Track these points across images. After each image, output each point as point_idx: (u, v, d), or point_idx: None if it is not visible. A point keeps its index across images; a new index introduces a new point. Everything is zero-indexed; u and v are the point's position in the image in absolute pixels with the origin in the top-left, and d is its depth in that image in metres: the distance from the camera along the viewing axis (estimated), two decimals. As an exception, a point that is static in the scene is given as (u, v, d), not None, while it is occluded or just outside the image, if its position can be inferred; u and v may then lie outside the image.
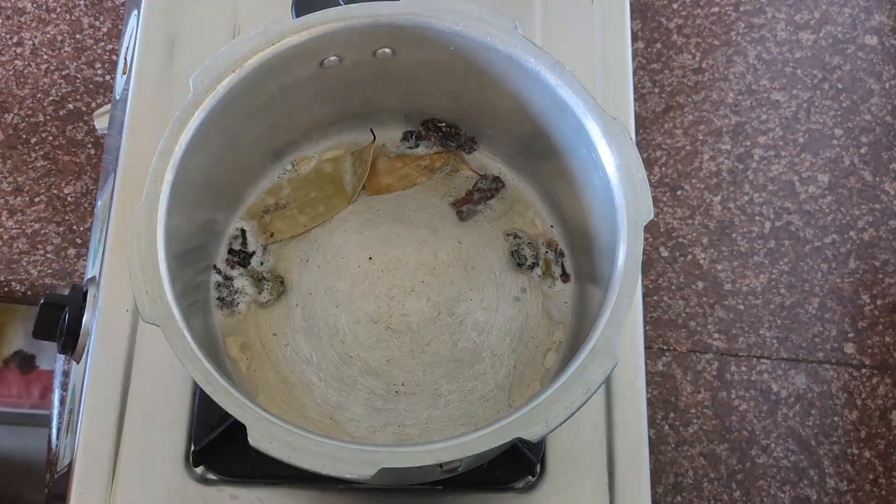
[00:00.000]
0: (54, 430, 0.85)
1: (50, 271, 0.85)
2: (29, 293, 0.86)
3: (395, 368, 0.63)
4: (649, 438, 0.64)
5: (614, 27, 0.74)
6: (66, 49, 0.92)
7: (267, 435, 0.49)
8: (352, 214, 0.66)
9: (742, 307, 0.86)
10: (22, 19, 0.93)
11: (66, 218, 0.86)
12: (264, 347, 0.63)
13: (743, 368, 0.85)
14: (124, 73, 0.75)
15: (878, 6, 0.97)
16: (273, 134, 0.64)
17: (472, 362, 0.63)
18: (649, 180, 0.56)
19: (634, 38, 0.95)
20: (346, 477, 0.49)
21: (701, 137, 0.92)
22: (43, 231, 0.86)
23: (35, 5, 0.93)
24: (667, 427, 0.83)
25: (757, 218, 0.89)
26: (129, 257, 0.53)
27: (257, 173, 0.66)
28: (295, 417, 0.61)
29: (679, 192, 0.90)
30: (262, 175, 0.66)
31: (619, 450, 0.63)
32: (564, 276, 0.65)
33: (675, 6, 0.96)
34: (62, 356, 0.83)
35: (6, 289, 0.86)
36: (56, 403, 0.86)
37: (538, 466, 0.62)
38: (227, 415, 0.50)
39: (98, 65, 0.92)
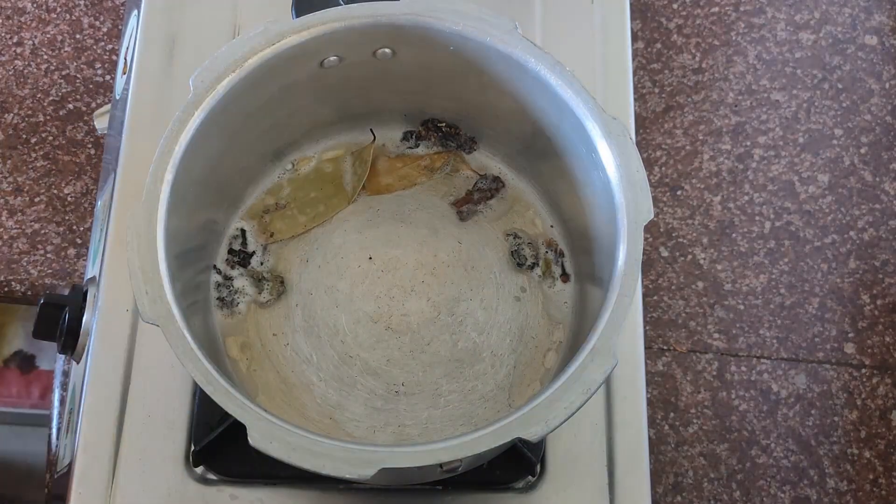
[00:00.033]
0: (54, 430, 0.85)
1: (50, 271, 0.85)
2: (29, 293, 0.86)
3: (395, 368, 0.63)
4: (649, 438, 0.64)
5: (614, 27, 0.74)
6: (66, 49, 0.92)
7: (267, 435, 0.49)
8: (352, 214, 0.66)
9: (742, 307, 0.86)
10: (22, 19, 0.93)
11: (66, 218, 0.86)
12: (264, 347, 0.63)
13: (743, 368, 0.85)
14: (124, 73, 0.75)
15: (878, 6, 0.97)
16: (273, 134, 0.64)
17: (472, 362, 0.63)
18: (649, 180, 0.56)
19: (634, 38, 0.95)
20: (346, 477, 0.49)
21: (701, 137, 0.92)
22: (43, 231, 0.86)
23: (35, 5, 0.93)
24: (667, 427, 0.83)
25: (757, 218, 0.89)
26: (129, 257, 0.53)
27: (257, 173, 0.66)
28: (295, 417, 0.61)
29: (679, 192, 0.90)
30: (262, 175, 0.66)
31: (619, 450, 0.63)
32: (564, 276, 0.65)
33: (675, 6, 0.96)
34: (62, 356, 0.83)
35: (6, 289, 0.86)
36: (56, 403, 0.86)
37: (538, 466, 0.62)
38: (227, 415, 0.50)
39: (98, 65, 0.92)
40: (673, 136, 0.92)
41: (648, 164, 0.90)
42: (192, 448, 0.61)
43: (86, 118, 0.90)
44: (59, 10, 0.94)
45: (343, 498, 0.61)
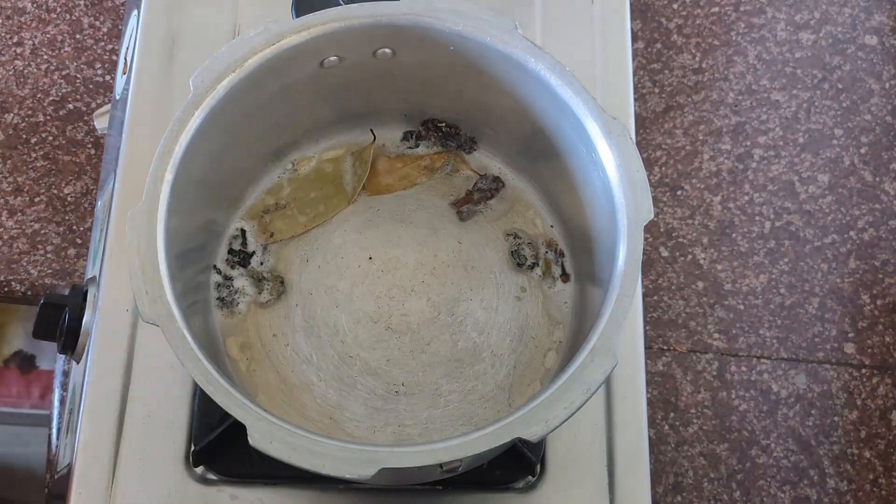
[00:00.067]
0: (54, 430, 0.85)
1: (50, 271, 0.85)
2: (29, 293, 0.86)
3: (395, 368, 0.63)
4: (649, 438, 0.64)
5: (614, 27, 0.74)
6: (66, 49, 0.92)
7: (267, 435, 0.49)
8: (352, 214, 0.66)
9: (742, 307, 0.86)
10: (22, 19, 0.93)
11: (66, 218, 0.86)
12: (264, 347, 0.63)
13: (743, 368, 0.85)
14: (124, 73, 0.75)
15: (878, 6, 0.97)
16: (273, 134, 0.64)
17: (472, 362, 0.63)
18: (649, 180, 0.56)
19: (634, 38, 0.95)
20: (346, 477, 0.49)
21: (701, 137, 0.92)
22: (43, 231, 0.86)
23: (35, 5, 0.93)
24: (667, 427, 0.83)
25: (757, 218, 0.89)
26: (129, 257, 0.53)
27: (257, 173, 0.66)
28: (295, 417, 0.61)
29: (679, 192, 0.90)
30: (262, 175, 0.66)
31: (619, 450, 0.63)
32: (564, 276, 0.65)
33: (675, 6, 0.96)
34: (62, 356, 0.83)
35: (6, 289, 0.85)
36: (56, 403, 0.86)
37: (538, 466, 0.62)
38: (227, 415, 0.50)
39: (98, 65, 0.92)
40: (673, 136, 0.92)
41: (648, 164, 0.90)
42: (192, 448, 0.61)
43: (86, 118, 0.90)
44: (59, 10, 0.94)
45: (343, 498, 0.61)
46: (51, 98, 0.91)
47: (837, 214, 0.90)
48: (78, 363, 0.67)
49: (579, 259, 0.65)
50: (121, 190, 0.67)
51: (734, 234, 0.89)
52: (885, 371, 0.86)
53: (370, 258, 0.65)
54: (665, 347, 0.85)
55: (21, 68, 0.91)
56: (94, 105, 0.91)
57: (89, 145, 0.89)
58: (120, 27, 0.93)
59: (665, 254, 0.88)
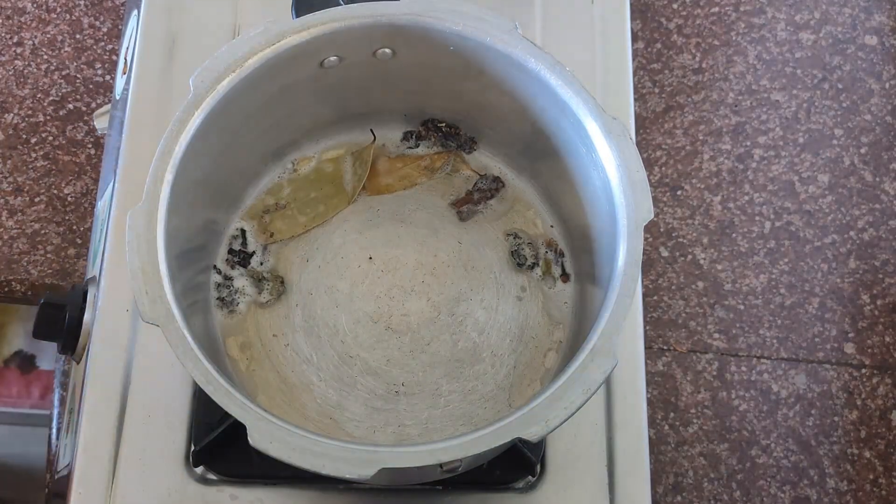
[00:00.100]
0: (54, 430, 0.85)
1: (50, 271, 0.85)
2: (29, 293, 0.86)
3: (395, 368, 0.63)
4: (649, 438, 0.64)
5: (614, 27, 0.74)
6: (66, 49, 0.92)
7: (267, 435, 0.49)
8: (352, 214, 0.66)
9: (742, 307, 0.86)
10: (22, 19, 0.93)
11: (66, 218, 0.86)
12: (264, 347, 0.63)
13: (743, 368, 0.85)
14: (124, 73, 0.75)
15: (878, 6, 0.97)
16: (273, 134, 0.64)
17: (472, 362, 0.63)
18: (649, 180, 0.56)
19: (634, 38, 0.94)
20: (346, 477, 0.49)
21: (701, 137, 0.91)
22: (43, 231, 0.86)
23: (35, 5, 0.93)
24: (667, 427, 0.83)
25: (757, 218, 0.89)
26: (129, 257, 0.53)
27: (257, 173, 0.66)
28: (295, 417, 0.61)
29: (679, 192, 0.90)
30: (262, 175, 0.66)
31: (619, 450, 0.63)
32: (564, 276, 0.65)
33: (675, 6, 0.96)
34: (62, 356, 0.83)
35: (6, 289, 0.85)
36: (56, 403, 0.86)
37: (538, 466, 0.62)
38: (227, 415, 0.50)
39: (98, 65, 0.92)
40: (673, 136, 0.92)
41: (648, 164, 0.90)
42: (192, 448, 0.61)
43: (86, 118, 0.90)
44: (59, 10, 0.94)
45: (343, 498, 0.61)
46: (51, 98, 0.91)
47: (837, 214, 0.90)
48: (78, 363, 0.67)
49: (579, 259, 0.65)
50: (121, 190, 0.67)
51: (734, 234, 0.89)
52: (885, 371, 0.86)
53: (370, 258, 0.65)
54: (665, 347, 0.85)
55: (21, 68, 0.91)
56: (94, 105, 0.90)
57: (89, 145, 0.89)
58: (120, 27, 0.93)
59: (665, 254, 0.88)
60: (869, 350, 0.86)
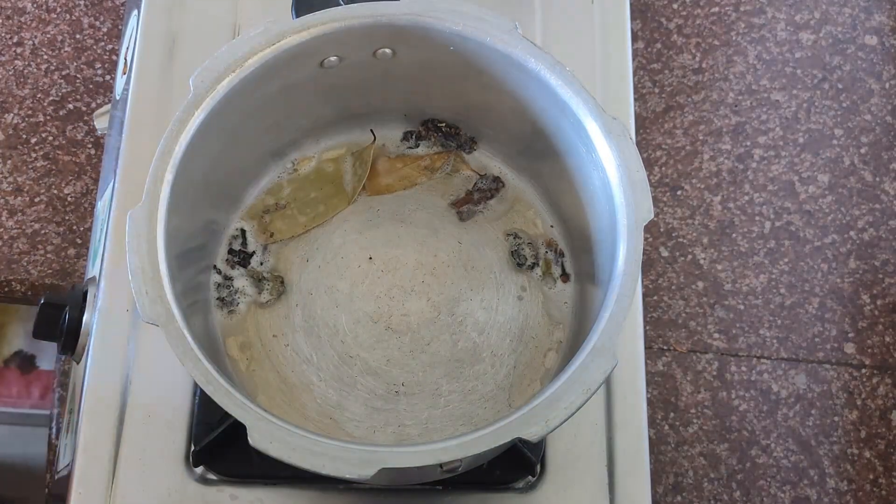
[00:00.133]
0: (54, 430, 0.85)
1: (50, 271, 0.85)
2: (29, 293, 0.86)
3: (395, 368, 0.63)
4: (649, 438, 0.64)
5: (614, 27, 0.74)
6: (66, 49, 0.92)
7: (267, 435, 0.49)
8: (352, 214, 0.66)
9: (742, 307, 0.86)
10: (22, 19, 0.93)
11: (66, 218, 0.86)
12: (264, 347, 0.63)
13: (743, 368, 0.85)
14: (124, 73, 0.75)
15: (878, 6, 0.97)
16: (273, 134, 0.64)
17: (472, 362, 0.63)
18: (649, 180, 0.56)
19: (634, 38, 0.94)
20: (346, 477, 0.49)
21: (701, 137, 0.92)
22: (43, 231, 0.86)
23: (35, 5, 0.93)
24: (667, 427, 0.83)
25: (757, 218, 0.89)
26: (129, 257, 0.53)
27: (257, 173, 0.66)
28: (295, 417, 0.61)
29: (679, 192, 0.90)
30: (262, 175, 0.66)
31: (619, 450, 0.63)
32: (564, 276, 0.65)
33: (675, 6, 0.96)
34: (62, 356, 0.83)
35: (6, 289, 0.85)
36: (56, 403, 0.86)
37: (538, 466, 0.62)
38: (227, 415, 0.50)
39: (98, 65, 0.92)
40: (673, 136, 0.92)
41: (648, 164, 0.90)
42: (192, 448, 0.61)
43: (86, 118, 0.90)
44: (59, 10, 0.94)
45: (343, 498, 0.61)
46: (51, 98, 0.91)
47: (837, 214, 0.90)
48: (78, 363, 0.67)
49: (579, 259, 0.65)
50: (121, 190, 0.67)
51: (734, 234, 0.89)
52: (885, 371, 0.86)
53: (370, 258, 0.65)
54: (665, 347, 0.85)
55: (21, 68, 0.91)
56: (94, 105, 0.91)
57: (89, 145, 0.89)
58: (120, 27, 0.93)
59: (665, 254, 0.88)
60: (869, 350, 0.86)
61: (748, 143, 0.92)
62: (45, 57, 0.92)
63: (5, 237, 0.86)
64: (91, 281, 0.67)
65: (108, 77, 0.92)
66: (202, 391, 0.50)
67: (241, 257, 0.65)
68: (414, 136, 0.68)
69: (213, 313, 0.63)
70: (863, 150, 0.92)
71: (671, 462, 0.82)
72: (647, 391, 0.78)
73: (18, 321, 1.10)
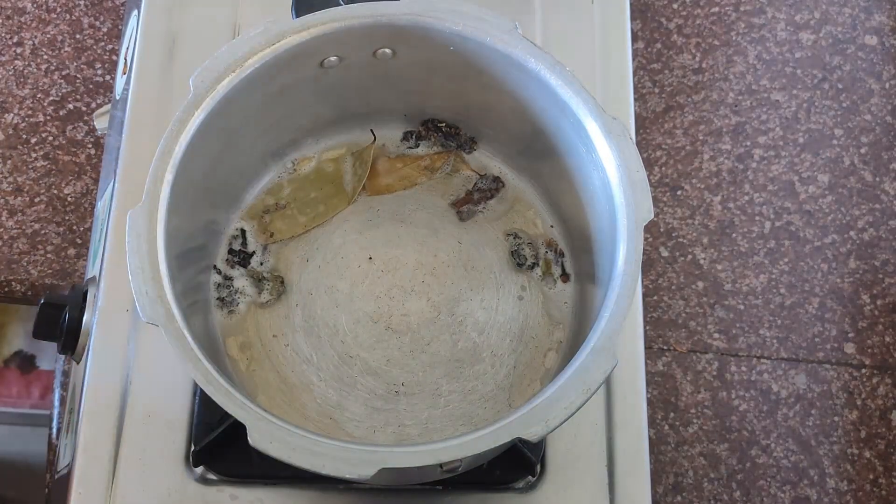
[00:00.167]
0: (54, 430, 0.85)
1: (50, 271, 0.85)
2: (29, 293, 0.86)
3: (395, 368, 0.63)
4: (649, 438, 0.64)
5: (614, 27, 0.74)
6: (66, 49, 0.92)
7: (267, 435, 0.49)
8: (352, 214, 0.66)
9: (742, 307, 0.86)
10: (22, 19, 0.93)
11: (66, 218, 0.86)
12: (264, 347, 0.63)
13: (743, 368, 0.85)
14: (124, 73, 0.75)
15: (878, 6, 0.97)
16: (273, 134, 0.64)
17: (472, 362, 0.63)
18: (649, 180, 0.56)
19: (634, 38, 0.94)
20: (346, 477, 0.49)
21: (701, 137, 0.91)
22: (43, 231, 0.86)
23: (35, 5, 0.93)
24: (667, 427, 0.83)
25: (757, 218, 0.89)
26: (129, 257, 0.53)
27: (257, 173, 0.66)
28: (295, 417, 0.61)
29: (679, 192, 0.90)
30: (262, 175, 0.66)
31: (619, 450, 0.63)
32: (564, 276, 0.65)
33: (675, 6, 0.96)
34: (62, 356, 0.83)
35: (6, 289, 0.85)
36: (56, 403, 0.86)
37: (538, 466, 0.62)
38: (227, 415, 0.50)
39: (98, 65, 0.92)
40: (673, 136, 0.92)
41: (648, 164, 0.90)
42: (192, 448, 0.61)
43: (86, 118, 0.90)
44: (59, 10, 0.94)
45: (343, 498, 0.61)
46: (51, 98, 0.91)
47: (837, 214, 0.90)
48: (78, 363, 0.67)
49: (579, 259, 0.65)
50: (121, 190, 0.67)
51: (734, 234, 0.89)
52: (885, 371, 0.86)
53: (370, 258, 0.65)
54: (665, 347, 0.85)
55: (21, 68, 0.91)
56: (94, 105, 0.91)
57: (89, 145, 0.89)
58: (120, 27, 0.93)
59: (665, 254, 0.88)
60: (869, 350, 0.86)
61: (748, 143, 0.92)
62: (45, 57, 0.92)
63: (5, 237, 0.86)
64: (91, 281, 0.67)
65: (108, 77, 0.92)
66: (202, 391, 0.50)
67: (241, 257, 0.65)
68: (414, 136, 0.68)
69: (213, 313, 0.63)
70: (863, 150, 0.92)
71: (671, 462, 0.82)
72: (647, 391, 0.78)
73: (18, 321, 1.10)
